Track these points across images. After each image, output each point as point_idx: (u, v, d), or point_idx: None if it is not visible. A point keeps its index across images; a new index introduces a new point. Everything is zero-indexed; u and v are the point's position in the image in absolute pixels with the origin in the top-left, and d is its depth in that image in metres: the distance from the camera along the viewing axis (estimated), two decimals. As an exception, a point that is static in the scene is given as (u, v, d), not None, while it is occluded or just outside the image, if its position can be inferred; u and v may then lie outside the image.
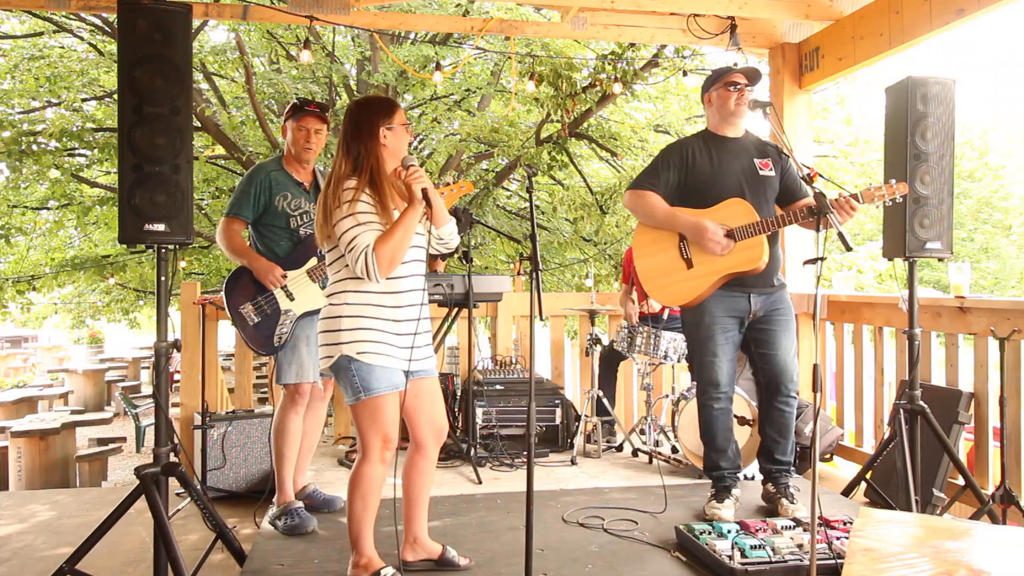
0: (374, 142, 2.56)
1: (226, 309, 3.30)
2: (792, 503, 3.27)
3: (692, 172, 3.30)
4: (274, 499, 3.29)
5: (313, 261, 3.30)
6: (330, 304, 2.57)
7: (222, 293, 3.32)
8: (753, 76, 3.28)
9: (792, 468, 3.43)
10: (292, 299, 3.28)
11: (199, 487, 3.17)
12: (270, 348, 3.28)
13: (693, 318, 3.35)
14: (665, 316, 4.44)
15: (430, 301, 4.14)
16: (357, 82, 10.15)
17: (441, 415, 2.76)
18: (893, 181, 3.02)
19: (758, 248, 3.13)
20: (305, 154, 3.34)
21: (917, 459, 3.41)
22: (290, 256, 3.31)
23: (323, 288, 3.19)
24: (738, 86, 3.26)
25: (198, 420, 4.11)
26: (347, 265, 2.53)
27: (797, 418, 3.53)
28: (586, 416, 4.46)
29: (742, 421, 3.86)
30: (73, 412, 9.68)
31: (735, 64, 3.88)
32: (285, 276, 3.26)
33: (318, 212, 2.57)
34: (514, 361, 4.86)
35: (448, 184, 3.19)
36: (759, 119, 3.37)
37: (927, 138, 3.42)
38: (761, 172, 3.28)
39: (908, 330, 3.52)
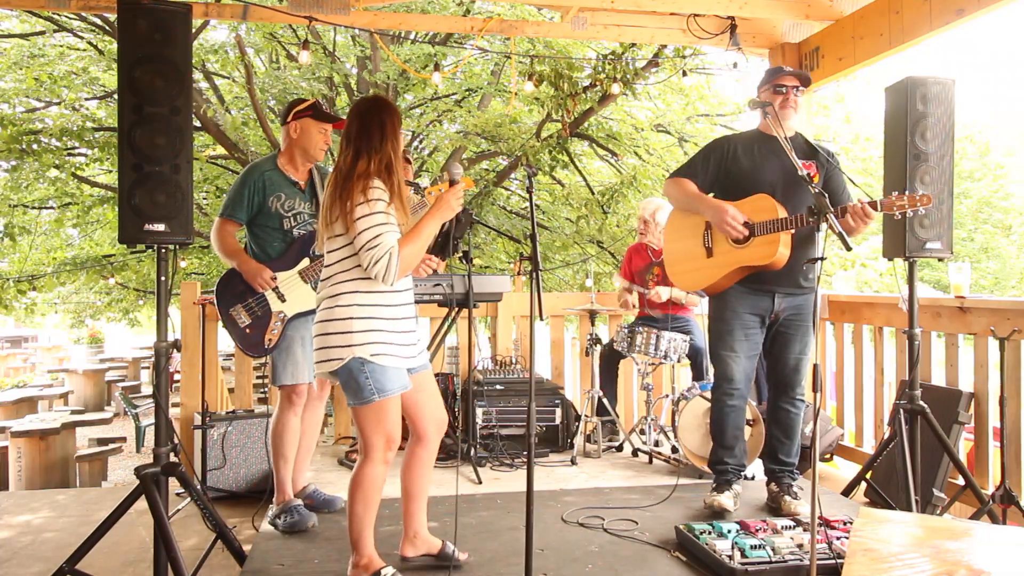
0: (397, 144, 2.59)
1: (217, 311, 3.30)
2: (795, 499, 3.29)
3: (731, 167, 3.34)
4: (273, 500, 3.29)
5: (305, 262, 3.28)
6: (337, 306, 2.49)
7: (213, 296, 3.32)
8: (804, 79, 3.29)
9: (796, 470, 3.44)
10: (283, 300, 3.27)
11: (199, 487, 3.18)
12: (260, 351, 3.27)
13: (716, 312, 3.39)
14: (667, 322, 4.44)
15: (430, 301, 4.16)
16: (358, 81, 10.15)
17: (441, 407, 2.79)
18: (919, 193, 2.91)
19: (774, 244, 3.13)
20: (320, 154, 3.33)
21: (917, 459, 3.41)
22: (282, 257, 3.29)
23: (315, 289, 3.19)
24: (785, 89, 3.26)
25: (198, 420, 4.11)
26: (358, 265, 2.48)
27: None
28: (586, 416, 4.46)
29: (742, 421, 3.86)
30: (73, 412, 9.67)
31: (731, 65, 3.89)
32: (275, 278, 3.24)
33: (327, 207, 2.50)
34: (514, 361, 4.86)
35: (446, 181, 3.18)
36: (758, 118, 3.38)
37: (927, 138, 3.42)
38: (800, 173, 3.27)
39: (908, 330, 3.53)
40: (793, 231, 3.13)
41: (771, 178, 3.26)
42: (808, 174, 2.86)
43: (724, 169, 3.35)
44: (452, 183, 2.63)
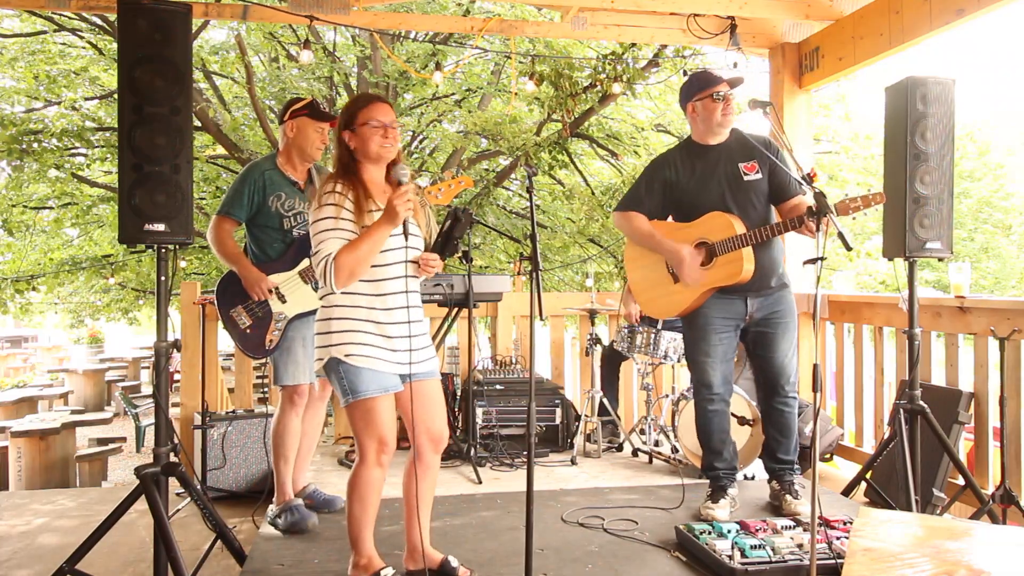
0: (347, 138, 2.54)
1: (217, 312, 3.30)
2: (796, 499, 3.29)
3: (675, 187, 3.33)
4: (273, 499, 3.29)
5: (305, 262, 3.27)
6: (322, 307, 2.56)
7: (213, 296, 3.31)
8: (735, 82, 3.24)
9: (796, 467, 3.44)
10: (284, 301, 3.26)
11: (199, 487, 3.17)
12: (261, 352, 3.27)
13: (689, 319, 3.39)
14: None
15: (430, 301, 4.13)
16: (358, 81, 10.15)
17: (439, 421, 2.65)
18: (870, 191, 2.94)
19: (739, 262, 3.14)
20: (317, 153, 3.32)
21: (917, 459, 3.41)
22: (282, 257, 3.29)
23: (315, 289, 3.18)
24: (722, 95, 3.22)
25: (198, 420, 4.11)
26: None
27: (798, 418, 3.54)
28: (586, 416, 4.46)
29: (742, 421, 3.86)
30: (73, 412, 9.68)
31: (731, 65, 3.87)
32: (271, 291, 3.23)
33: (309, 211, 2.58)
34: (514, 361, 4.86)
35: (445, 180, 3.19)
36: (759, 119, 3.37)
37: (927, 138, 3.42)
38: (746, 177, 3.26)
39: (908, 330, 3.52)
40: (751, 245, 3.13)
41: (717, 190, 3.25)
42: (808, 174, 2.85)
43: (669, 191, 3.34)
44: (398, 184, 2.48)
